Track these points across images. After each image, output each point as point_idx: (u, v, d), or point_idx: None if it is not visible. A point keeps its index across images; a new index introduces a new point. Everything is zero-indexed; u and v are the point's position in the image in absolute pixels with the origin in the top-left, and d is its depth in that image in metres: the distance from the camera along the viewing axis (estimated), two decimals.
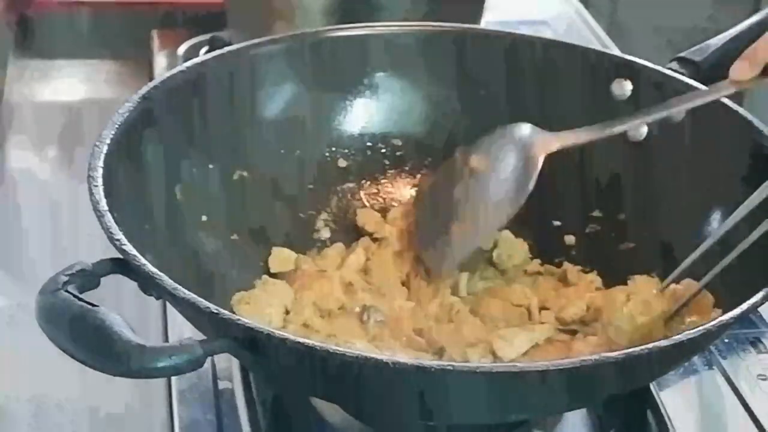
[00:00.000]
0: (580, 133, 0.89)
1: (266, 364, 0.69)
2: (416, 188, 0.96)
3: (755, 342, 0.91)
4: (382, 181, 0.98)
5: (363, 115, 0.98)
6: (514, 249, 0.92)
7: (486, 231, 0.89)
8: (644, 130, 0.92)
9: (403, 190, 0.98)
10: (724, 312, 0.71)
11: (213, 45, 1.26)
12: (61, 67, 1.34)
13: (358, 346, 0.79)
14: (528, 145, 0.88)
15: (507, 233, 0.92)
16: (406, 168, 0.98)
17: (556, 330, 0.85)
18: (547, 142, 0.88)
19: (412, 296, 0.88)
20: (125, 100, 0.83)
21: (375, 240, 0.93)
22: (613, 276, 0.89)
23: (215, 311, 0.67)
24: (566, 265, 0.91)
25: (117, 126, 0.80)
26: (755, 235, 0.80)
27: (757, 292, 0.72)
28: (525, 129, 0.89)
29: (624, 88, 0.94)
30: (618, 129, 0.88)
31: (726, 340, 0.91)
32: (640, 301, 0.84)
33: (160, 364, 0.64)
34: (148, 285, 0.71)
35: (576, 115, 0.94)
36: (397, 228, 0.93)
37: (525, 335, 0.83)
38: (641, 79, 0.93)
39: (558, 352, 0.82)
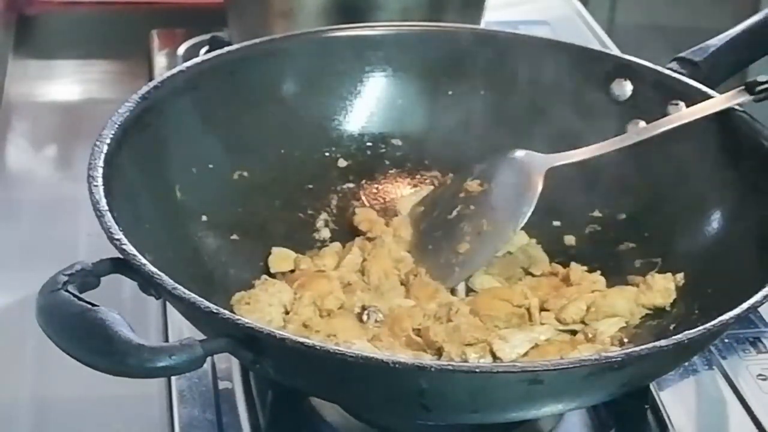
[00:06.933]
0: (577, 153, 0.90)
1: (266, 364, 0.69)
2: (412, 208, 0.96)
3: (755, 342, 0.91)
4: (382, 181, 0.98)
5: (363, 115, 0.97)
6: (538, 256, 0.93)
7: (489, 252, 0.90)
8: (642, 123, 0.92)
9: (403, 190, 0.98)
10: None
11: (213, 45, 1.26)
12: (60, 67, 1.34)
13: (357, 345, 0.79)
14: (526, 165, 0.90)
15: (527, 239, 0.93)
16: (406, 168, 0.98)
17: (556, 330, 0.85)
18: (545, 162, 0.90)
19: (411, 295, 0.88)
20: (125, 100, 0.83)
21: (370, 239, 0.93)
22: (613, 276, 0.89)
23: (215, 311, 0.67)
24: (573, 265, 0.91)
25: (117, 126, 0.81)
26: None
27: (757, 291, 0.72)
28: (520, 153, 0.91)
29: (624, 88, 0.94)
30: (618, 145, 0.89)
31: (726, 340, 0.91)
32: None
33: (160, 364, 0.64)
34: (148, 285, 0.71)
35: (576, 116, 0.94)
36: (396, 234, 0.93)
37: (524, 335, 0.83)
38: (641, 79, 0.93)
39: (558, 352, 0.82)
